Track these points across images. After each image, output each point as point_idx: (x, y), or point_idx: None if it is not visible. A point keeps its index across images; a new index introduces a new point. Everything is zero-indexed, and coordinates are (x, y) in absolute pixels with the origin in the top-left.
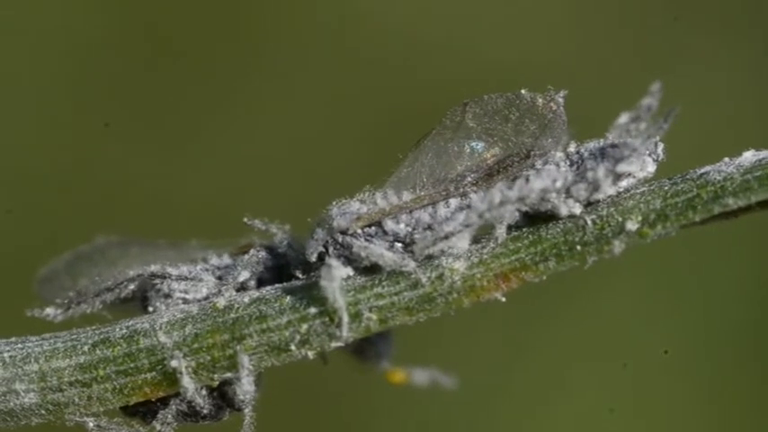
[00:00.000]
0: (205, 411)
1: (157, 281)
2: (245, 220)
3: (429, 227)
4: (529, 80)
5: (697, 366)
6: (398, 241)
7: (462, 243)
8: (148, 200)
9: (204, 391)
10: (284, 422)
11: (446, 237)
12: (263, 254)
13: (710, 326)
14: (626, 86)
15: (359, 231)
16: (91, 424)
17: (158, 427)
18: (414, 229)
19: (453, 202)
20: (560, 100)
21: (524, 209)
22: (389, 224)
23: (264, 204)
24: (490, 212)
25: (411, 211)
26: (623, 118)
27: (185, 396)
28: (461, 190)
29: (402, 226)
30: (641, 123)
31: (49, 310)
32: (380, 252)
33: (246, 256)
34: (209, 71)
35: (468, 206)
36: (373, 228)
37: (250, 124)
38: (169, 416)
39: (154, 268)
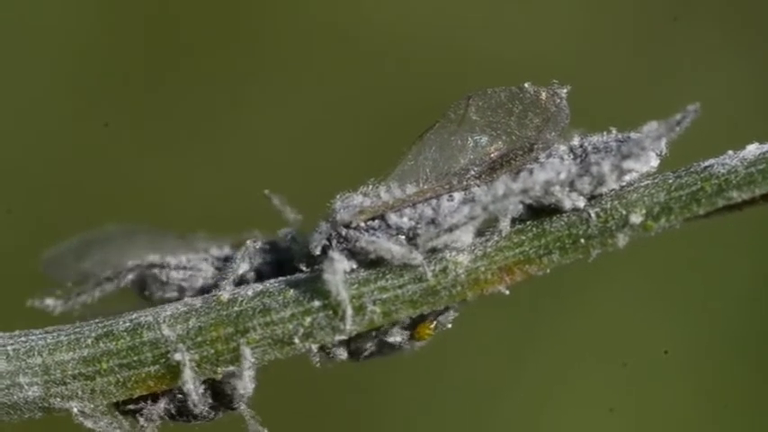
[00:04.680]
0: (197, 411)
1: (156, 270)
2: (266, 192)
3: (432, 221)
4: (530, 78)
5: (697, 366)
6: (402, 235)
7: (466, 236)
8: (149, 199)
9: (202, 389)
10: (285, 421)
11: (450, 229)
12: (259, 244)
13: (711, 325)
14: (626, 85)
15: (362, 225)
16: (75, 410)
17: (142, 421)
18: (417, 223)
19: (457, 195)
20: (563, 94)
21: (528, 201)
22: (393, 218)
23: (267, 202)
24: (494, 205)
25: (414, 205)
26: (650, 126)
27: (186, 390)
28: (464, 183)
29: (405, 219)
30: (660, 128)
31: (49, 302)
32: (388, 246)
33: (243, 247)
34: (210, 70)
35: (472, 200)
36: (376, 221)
37: (251, 122)
38: (154, 413)
39: (152, 258)
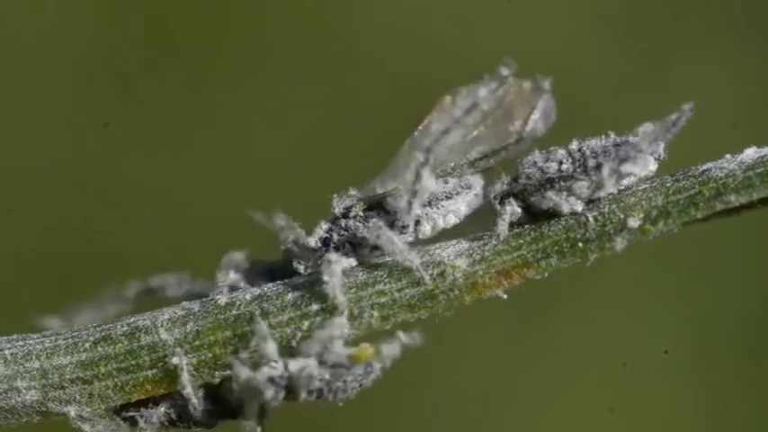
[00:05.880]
0: (198, 416)
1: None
2: (249, 213)
3: (429, 203)
4: (530, 79)
5: (697, 366)
6: (398, 221)
7: (462, 207)
8: (149, 199)
9: (201, 393)
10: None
11: (447, 197)
12: (238, 255)
13: (711, 325)
14: (626, 85)
15: (360, 213)
16: (73, 413)
17: (141, 424)
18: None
19: (451, 180)
20: (547, 85)
21: (520, 186)
22: (390, 202)
23: (267, 203)
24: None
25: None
26: (646, 127)
27: (186, 394)
28: (458, 172)
29: (402, 203)
30: (653, 127)
31: (51, 322)
32: (389, 234)
33: (224, 258)
34: (210, 70)
35: (468, 187)
36: (374, 210)
37: (251, 123)
38: (154, 416)
39: (154, 281)
